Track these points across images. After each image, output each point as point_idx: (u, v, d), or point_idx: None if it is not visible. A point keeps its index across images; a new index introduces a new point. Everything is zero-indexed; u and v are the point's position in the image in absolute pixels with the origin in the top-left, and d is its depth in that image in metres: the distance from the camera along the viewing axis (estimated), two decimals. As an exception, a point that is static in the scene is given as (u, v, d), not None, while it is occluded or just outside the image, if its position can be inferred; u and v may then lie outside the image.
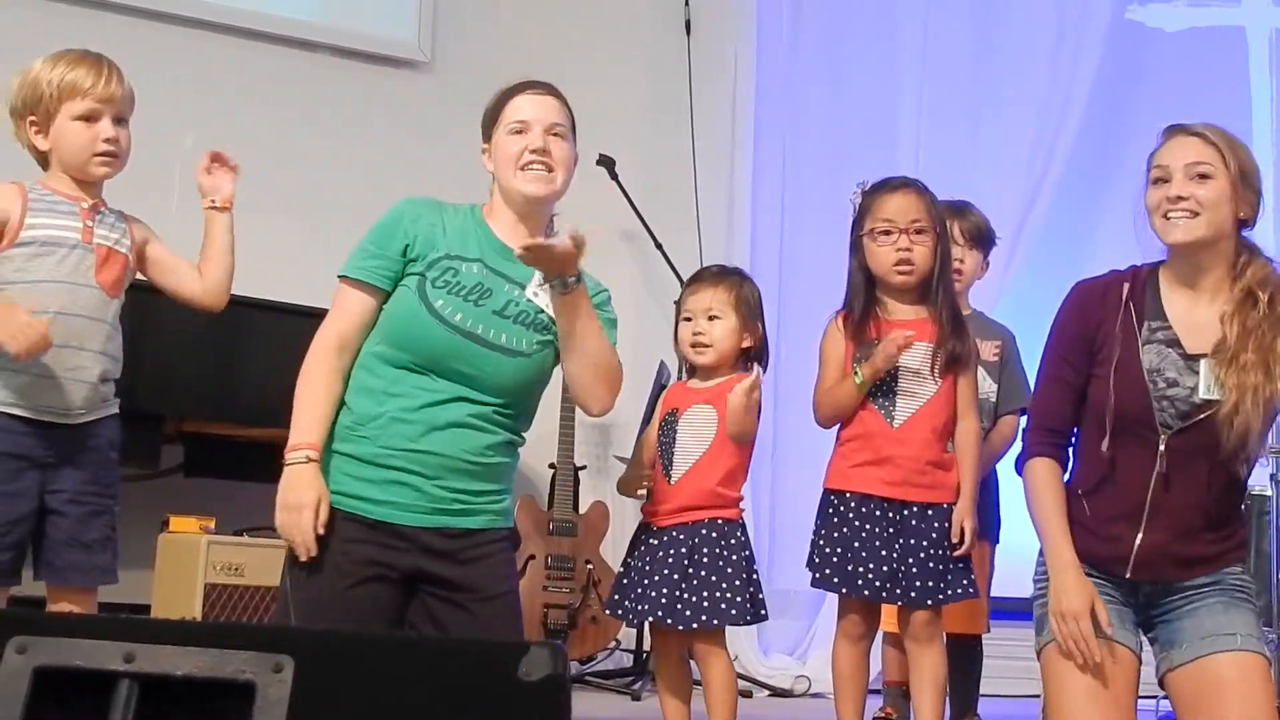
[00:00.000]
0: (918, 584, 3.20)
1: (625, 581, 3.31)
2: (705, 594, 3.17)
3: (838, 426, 3.34)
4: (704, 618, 3.17)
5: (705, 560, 3.18)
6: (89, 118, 3.01)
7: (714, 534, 3.21)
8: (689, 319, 3.32)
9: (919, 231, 3.27)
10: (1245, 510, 4.48)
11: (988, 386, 3.77)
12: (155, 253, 3.16)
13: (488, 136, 2.91)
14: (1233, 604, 2.78)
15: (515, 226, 2.87)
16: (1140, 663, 2.82)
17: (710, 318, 3.28)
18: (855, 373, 3.25)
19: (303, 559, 2.70)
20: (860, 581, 3.22)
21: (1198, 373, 2.77)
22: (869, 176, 3.43)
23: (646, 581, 3.22)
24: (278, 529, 2.74)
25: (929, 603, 3.22)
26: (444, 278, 2.79)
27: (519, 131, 2.83)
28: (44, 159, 3.07)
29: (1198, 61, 5.90)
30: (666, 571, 3.18)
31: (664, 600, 3.17)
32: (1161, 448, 2.77)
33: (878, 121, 5.77)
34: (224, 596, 4.21)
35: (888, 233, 3.26)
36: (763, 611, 3.26)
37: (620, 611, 3.32)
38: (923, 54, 5.78)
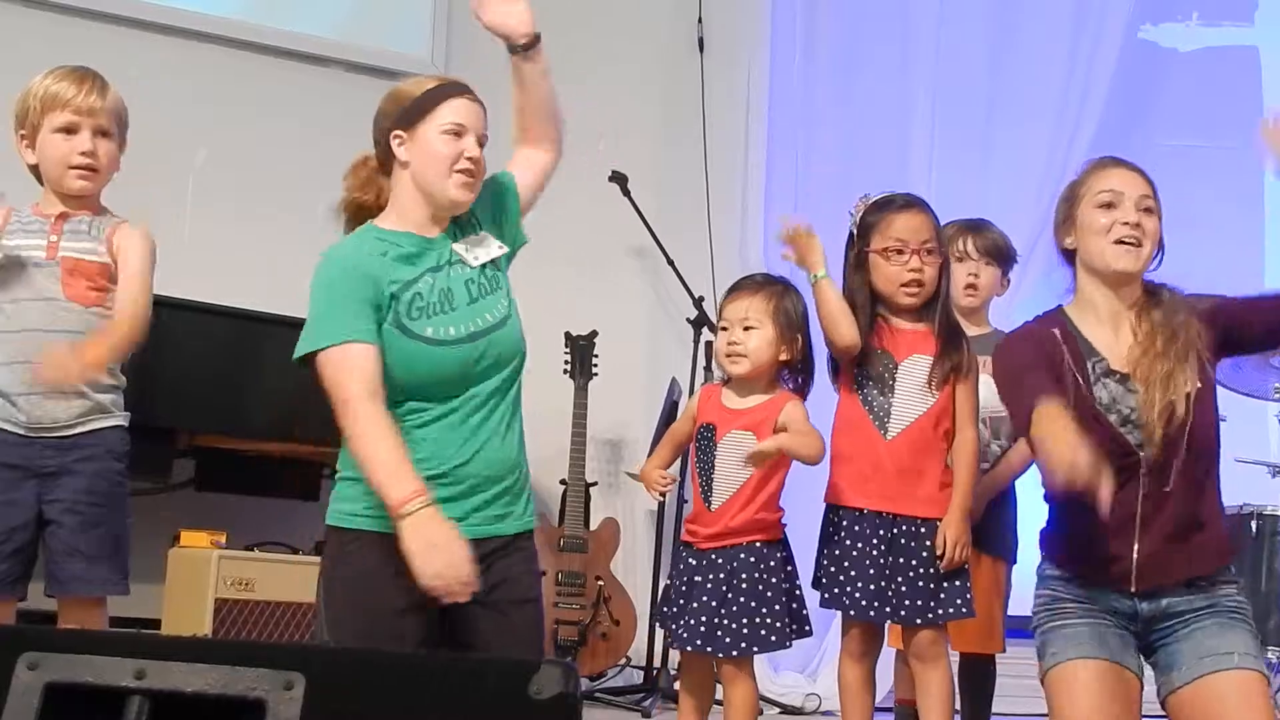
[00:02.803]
0: (908, 602, 3.19)
1: (670, 594, 3.29)
2: (745, 620, 3.15)
3: (832, 433, 3.33)
4: (743, 645, 3.15)
5: (744, 586, 3.16)
6: (69, 130, 3.01)
7: (752, 558, 3.17)
8: (725, 328, 3.26)
9: (929, 252, 3.26)
10: (1257, 529, 4.55)
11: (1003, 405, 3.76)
12: (120, 260, 3.09)
13: (407, 126, 2.83)
14: (1229, 624, 2.80)
15: (427, 220, 2.84)
16: (1143, 686, 2.84)
17: (746, 327, 3.21)
18: (813, 278, 3.26)
19: (466, 598, 2.57)
20: (848, 600, 3.21)
21: (1136, 391, 2.85)
22: (873, 192, 3.43)
23: (685, 604, 3.21)
24: (428, 580, 2.55)
25: (918, 621, 3.20)
26: (415, 305, 2.75)
27: (455, 134, 2.81)
28: (37, 174, 3.09)
29: (1211, 81, 5.89)
30: (705, 598, 3.17)
31: (703, 628, 3.15)
32: (1144, 469, 2.81)
33: (890, 140, 5.76)
34: (234, 611, 4.21)
35: (900, 252, 3.24)
36: (807, 627, 3.25)
37: (669, 628, 3.31)
38: (935, 73, 5.78)
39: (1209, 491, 2.90)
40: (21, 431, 2.96)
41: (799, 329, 3.25)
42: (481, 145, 2.83)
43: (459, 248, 2.83)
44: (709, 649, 3.17)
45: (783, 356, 3.23)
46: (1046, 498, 2.93)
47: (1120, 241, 2.87)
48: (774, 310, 3.22)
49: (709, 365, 4.96)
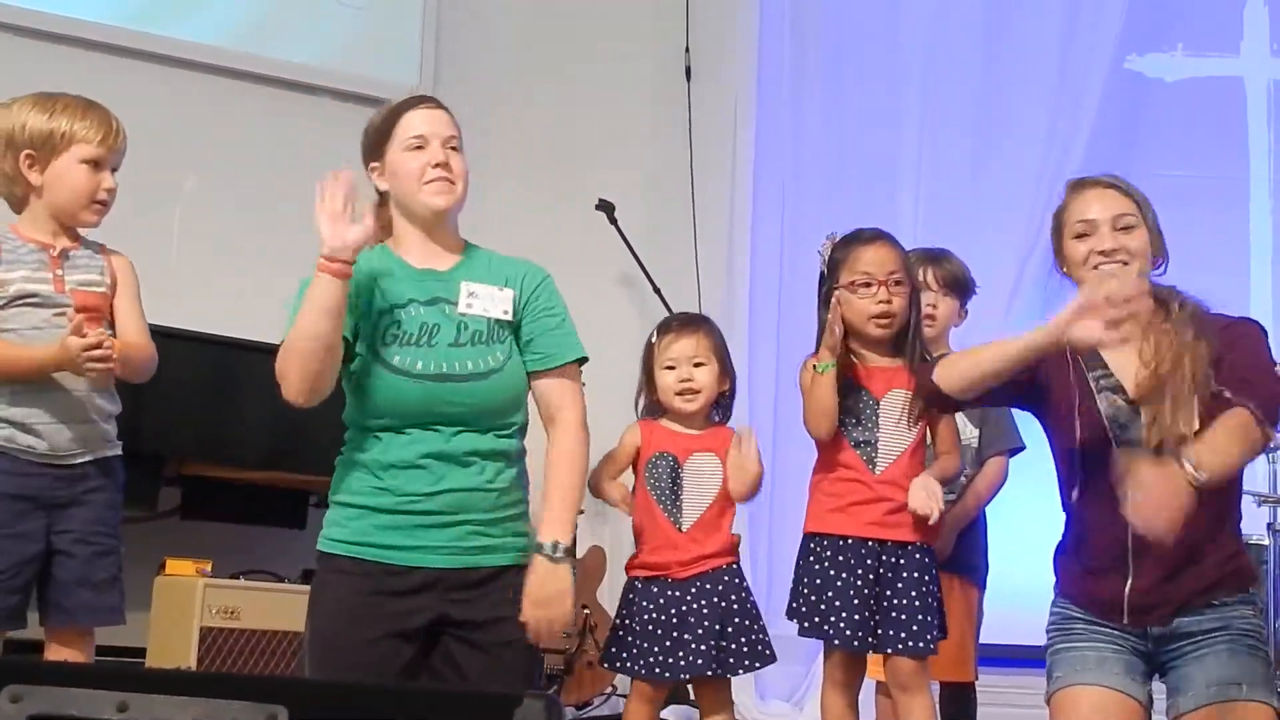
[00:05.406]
0: (881, 631, 3.19)
1: (627, 638, 3.22)
2: (744, 638, 3.20)
3: (813, 470, 3.34)
4: (747, 661, 3.20)
5: (736, 605, 3.21)
6: (98, 164, 3.06)
7: (736, 579, 3.24)
8: (672, 366, 3.31)
9: (897, 283, 3.28)
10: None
11: (969, 432, 3.77)
12: (116, 304, 3.13)
13: (377, 156, 2.90)
14: (1239, 652, 2.77)
15: (425, 243, 2.87)
16: (1150, 715, 2.82)
17: (696, 364, 3.29)
18: (816, 367, 3.23)
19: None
20: (830, 629, 3.20)
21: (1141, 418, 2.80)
22: (842, 229, 3.43)
23: (677, 636, 3.18)
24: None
25: (889, 651, 3.20)
26: (390, 332, 2.78)
27: (418, 147, 2.83)
28: (19, 195, 3.08)
29: (1196, 112, 5.92)
30: (708, 623, 3.17)
31: (714, 650, 3.16)
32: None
33: (878, 168, 5.79)
34: (220, 640, 4.20)
35: (868, 284, 3.26)
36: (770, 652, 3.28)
37: (638, 667, 3.20)
38: (924, 101, 5.81)
39: (1220, 514, 2.82)
40: (38, 460, 2.96)
41: (729, 361, 3.37)
42: (454, 148, 2.84)
43: (468, 288, 2.81)
44: (720, 671, 3.18)
45: (722, 388, 3.34)
46: (1065, 507, 2.91)
47: (1099, 269, 2.83)
48: (716, 347, 3.34)
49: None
